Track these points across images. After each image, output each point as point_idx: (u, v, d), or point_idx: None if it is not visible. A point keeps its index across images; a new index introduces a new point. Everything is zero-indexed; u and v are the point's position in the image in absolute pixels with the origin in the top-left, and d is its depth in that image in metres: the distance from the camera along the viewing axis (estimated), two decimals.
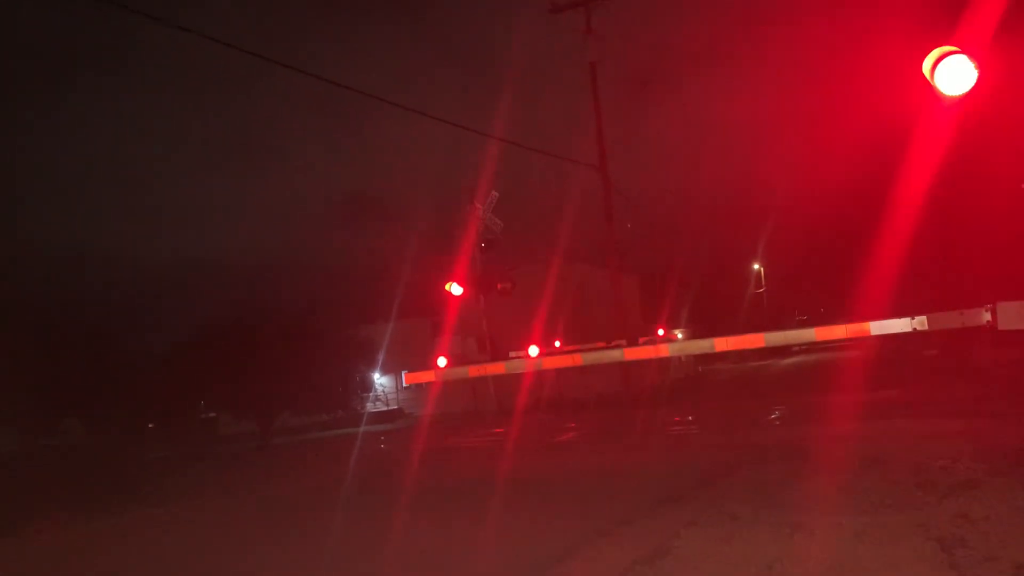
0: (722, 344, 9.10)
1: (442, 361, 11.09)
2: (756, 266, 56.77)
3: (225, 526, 12.36)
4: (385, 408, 36.96)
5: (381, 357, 32.86)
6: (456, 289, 17.91)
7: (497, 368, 11.82)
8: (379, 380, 36.10)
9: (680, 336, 31.14)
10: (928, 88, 5.90)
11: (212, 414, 35.01)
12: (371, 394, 34.82)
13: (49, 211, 68.22)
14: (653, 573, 6.35)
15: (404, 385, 37.48)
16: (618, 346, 14.85)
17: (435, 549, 8.91)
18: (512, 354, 14.06)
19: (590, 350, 11.97)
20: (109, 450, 27.66)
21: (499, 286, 19.20)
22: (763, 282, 57.45)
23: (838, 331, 8.50)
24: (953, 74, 5.85)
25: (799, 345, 42.82)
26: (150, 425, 33.36)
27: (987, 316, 7.01)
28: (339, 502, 13.16)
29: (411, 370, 11.66)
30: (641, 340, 22.47)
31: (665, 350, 11.91)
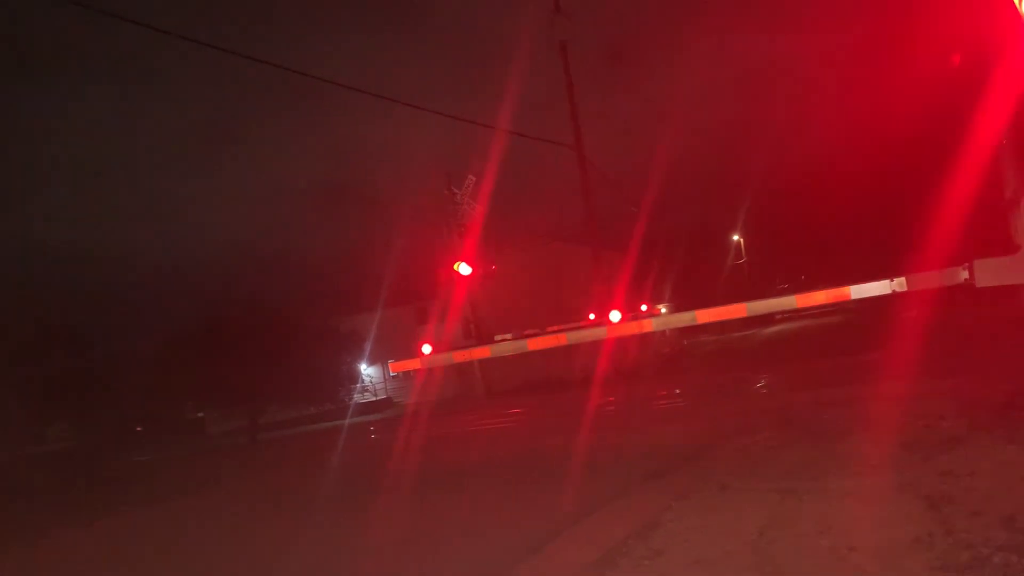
0: (704, 316, 9.13)
1: (427, 348, 11.06)
2: (736, 237, 57.03)
3: (215, 520, 12.34)
4: (374, 398, 36.91)
5: (368, 347, 32.79)
6: (465, 269, 17.71)
7: (482, 352, 11.79)
8: (366, 370, 36.03)
9: (663, 311, 31.25)
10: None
11: (200, 414, 34.81)
12: (359, 385, 34.78)
13: (24, 213, 67.30)
14: (645, 546, 6.38)
15: (391, 374, 37.45)
16: (601, 324, 14.84)
17: (433, 530, 8.98)
18: (497, 337, 14.04)
19: (574, 329, 11.95)
20: (97, 455, 27.45)
21: (481, 269, 19.15)
22: (743, 253, 57.73)
23: (818, 297, 8.53)
24: None
25: (782, 313, 43.07)
26: (138, 428, 33.11)
27: (965, 275, 7.06)
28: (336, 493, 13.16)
29: (397, 358, 11.63)
30: (625, 317, 22.47)
31: (649, 325, 11.93)
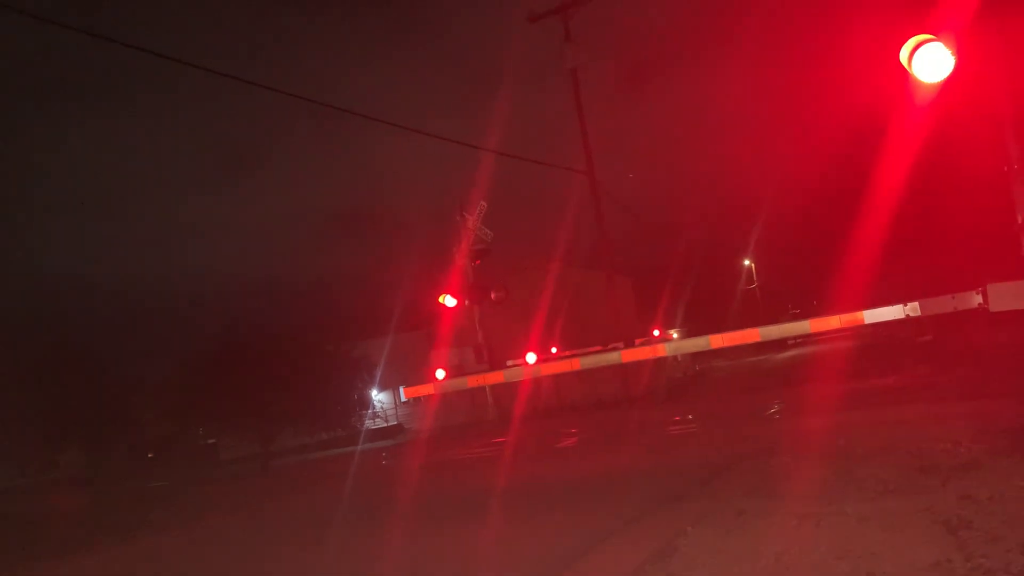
0: (718, 341, 9.16)
1: (440, 373, 11.13)
2: (747, 262, 57.07)
3: (228, 545, 12.36)
4: (384, 424, 36.90)
5: (379, 373, 32.83)
6: (450, 301, 17.95)
7: (496, 377, 11.86)
8: (377, 396, 36.05)
9: (676, 336, 31.20)
10: (906, 76, 5.99)
11: (212, 440, 34.88)
12: (370, 411, 34.80)
13: (35, 240, 68.01)
14: (662, 571, 6.36)
15: (403, 400, 37.44)
16: (615, 349, 14.89)
17: (443, 558, 8.95)
18: (509, 362, 14.11)
19: (587, 354, 12.01)
20: (109, 481, 27.52)
21: (492, 295, 19.21)
22: (755, 278, 57.71)
23: (832, 322, 8.57)
24: (930, 62, 5.94)
25: (795, 338, 42.96)
26: (149, 455, 33.21)
27: (978, 299, 7.08)
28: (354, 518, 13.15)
29: (409, 384, 11.70)
30: (637, 342, 22.51)
31: (662, 350, 12.00)
